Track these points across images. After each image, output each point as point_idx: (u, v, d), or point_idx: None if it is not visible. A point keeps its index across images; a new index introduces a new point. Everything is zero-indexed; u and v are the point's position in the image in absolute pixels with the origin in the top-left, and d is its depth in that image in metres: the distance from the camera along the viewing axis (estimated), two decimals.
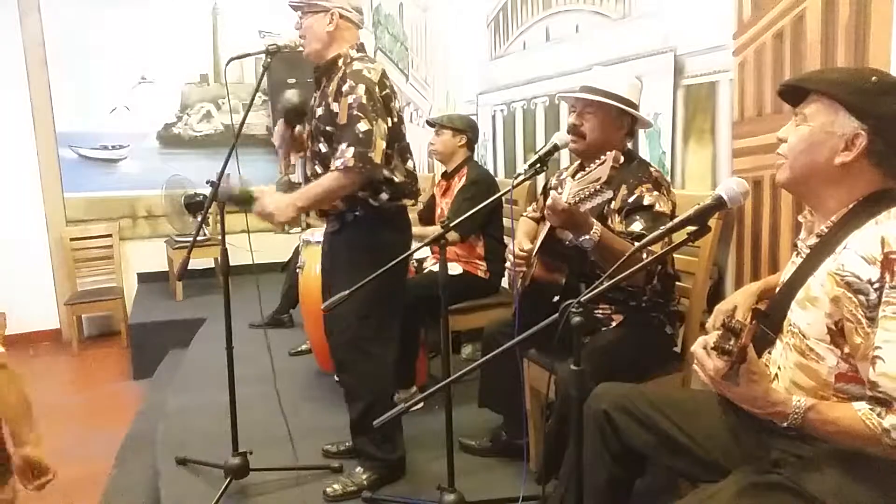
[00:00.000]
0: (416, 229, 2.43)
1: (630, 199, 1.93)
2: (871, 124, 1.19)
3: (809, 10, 1.80)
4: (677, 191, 2.13)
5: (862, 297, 1.14)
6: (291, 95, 2.31)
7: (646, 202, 1.91)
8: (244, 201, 2.14)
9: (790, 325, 1.29)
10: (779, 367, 1.31)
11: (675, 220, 1.33)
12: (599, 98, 1.98)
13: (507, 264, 2.13)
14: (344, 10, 2.15)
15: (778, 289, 1.38)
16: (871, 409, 1.13)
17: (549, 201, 1.73)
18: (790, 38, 1.87)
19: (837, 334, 1.19)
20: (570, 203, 1.67)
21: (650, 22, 2.42)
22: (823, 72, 1.38)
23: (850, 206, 1.24)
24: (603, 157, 1.65)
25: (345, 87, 2.07)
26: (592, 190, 1.64)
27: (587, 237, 1.75)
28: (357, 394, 2.27)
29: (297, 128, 2.35)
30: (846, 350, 1.19)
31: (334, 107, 2.11)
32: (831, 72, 1.35)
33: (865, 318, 1.14)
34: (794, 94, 1.31)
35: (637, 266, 1.31)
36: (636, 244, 1.41)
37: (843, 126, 1.21)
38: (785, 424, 1.16)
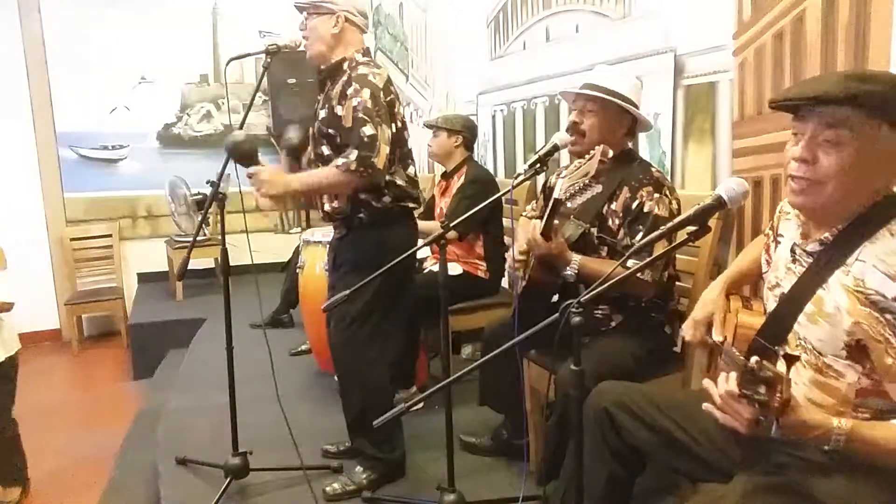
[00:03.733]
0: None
1: (633, 206, 1.93)
2: None
3: (809, 10, 1.80)
4: (677, 191, 2.13)
5: (889, 316, 1.10)
6: (292, 136, 2.31)
7: (646, 209, 1.91)
8: (245, 156, 2.05)
9: (799, 339, 1.24)
10: None
11: (674, 221, 1.32)
12: (601, 95, 1.97)
13: (508, 264, 2.14)
14: (350, 13, 2.16)
15: (776, 295, 1.34)
16: None
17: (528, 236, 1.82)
18: (790, 38, 1.87)
19: (856, 350, 1.15)
20: (561, 199, 1.71)
21: (650, 22, 2.42)
22: (853, 79, 1.14)
23: (858, 213, 1.18)
24: (592, 152, 1.67)
25: (349, 91, 2.08)
26: (582, 185, 1.67)
27: (567, 272, 1.83)
28: (353, 393, 2.27)
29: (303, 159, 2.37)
30: (868, 366, 1.15)
31: (338, 109, 2.11)
32: (864, 81, 1.13)
33: (895, 336, 1.10)
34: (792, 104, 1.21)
35: (630, 271, 1.30)
36: (619, 263, 1.39)
37: (887, 142, 1.13)
38: (827, 448, 1.09)
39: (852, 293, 1.14)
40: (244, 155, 2.05)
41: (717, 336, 1.42)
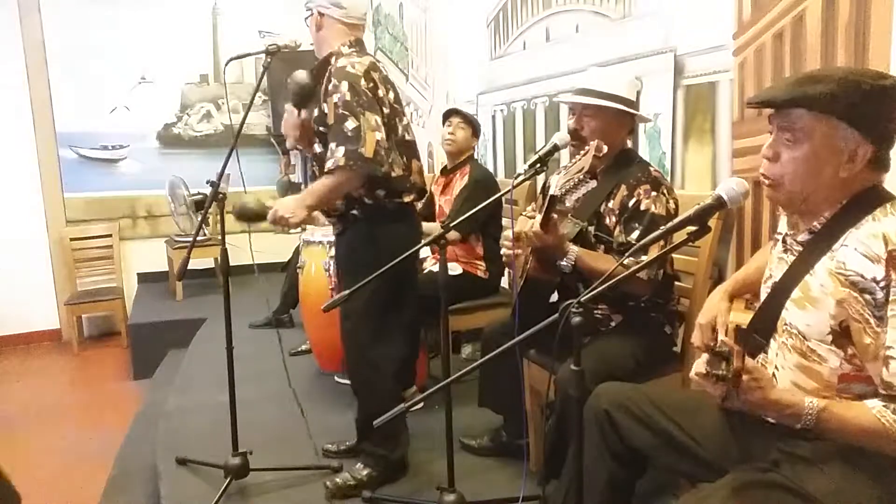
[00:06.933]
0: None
1: (630, 203, 1.93)
2: (875, 134, 1.17)
3: (809, 10, 1.80)
4: (677, 191, 2.13)
5: (868, 297, 1.13)
6: (300, 76, 2.26)
7: (643, 207, 1.91)
8: (260, 214, 2.18)
9: (786, 324, 1.27)
10: (776, 367, 1.30)
11: (674, 221, 1.32)
12: (597, 101, 1.97)
13: (504, 250, 2.12)
14: (322, 7, 2.15)
15: (768, 286, 1.36)
16: (885, 406, 1.11)
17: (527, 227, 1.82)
18: (790, 38, 1.87)
19: (841, 335, 1.18)
20: (557, 195, 1.73)
21: (650, 22, 2.42)
22: (805, 82, 1.19)
23: (843, 202, 1.22)
24: (586, 148, 1.68)
25: (330, 87, 2.07)
26: (576, 181, 1.68)
27: (563, 263, 1.83)
28: (359, 392, 2.28)
29: (304, 114, 2.30)
30: (850, 351, 1.18)
31: (324, 107, 2.10)
32: (816, 82, 1.18)
33: (874, 317, 1.12)
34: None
35: (628, 271, 1.30)
36: (619, 262, 1.40)
37: (845, 140, 1.17)
38: (798, 426, 1.15)
39: (835, 275, 1.17)
40: (255, 216, 2.21)
41: (722, 337, 1.42)
